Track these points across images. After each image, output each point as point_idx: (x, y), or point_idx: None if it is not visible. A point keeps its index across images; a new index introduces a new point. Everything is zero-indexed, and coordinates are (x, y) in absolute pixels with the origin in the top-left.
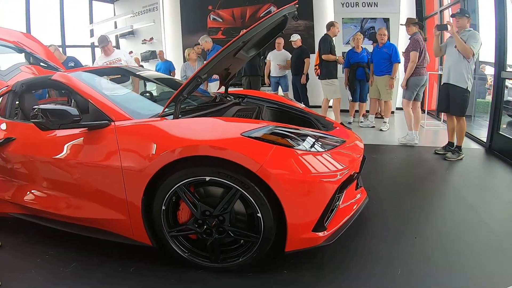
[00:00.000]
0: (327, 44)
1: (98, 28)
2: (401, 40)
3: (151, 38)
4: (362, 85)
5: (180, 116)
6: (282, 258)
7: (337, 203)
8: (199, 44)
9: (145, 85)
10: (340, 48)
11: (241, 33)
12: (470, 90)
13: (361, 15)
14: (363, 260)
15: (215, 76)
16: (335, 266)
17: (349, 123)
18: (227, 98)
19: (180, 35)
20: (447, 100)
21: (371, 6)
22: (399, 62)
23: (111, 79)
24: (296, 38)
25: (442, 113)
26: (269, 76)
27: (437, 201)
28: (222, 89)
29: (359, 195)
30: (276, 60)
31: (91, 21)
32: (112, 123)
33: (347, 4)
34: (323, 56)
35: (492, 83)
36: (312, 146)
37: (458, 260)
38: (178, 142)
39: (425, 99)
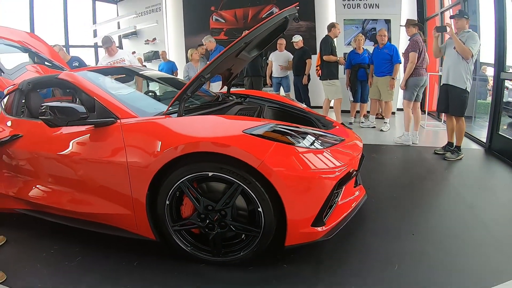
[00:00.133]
0: (328, 45)
1: (101, 29)
2: (402, 41)
3: (154, 39)
4: (363, 86)
5: (184, 114)
6: (282, 253)
7: (336, 199)
8: (202, 44)
9: (148, 85)
10: (342, 49)
11: (243, 34)
12: (469, 91)
13: (363, 16)
14: (361, 256)
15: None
16: (333, 261)
17: (350, 123)
18: (230, 97)
19: (183, 36)
20: (447, 100)
21: (372, 7)
22: (400, 63)
23: (115, 79)
24: (298, 39)
25: (443, 114)
26: (271, 76)
27: (435, 199)
28: (225, 89)
29: (357, 192)
30: (278, 60)
31: (94, 22)
32: (118, 121)
33: (349, 5)
34: (324, 57)
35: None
36: (312, 144)
37: (455, 256)
38: (181, 139)
39: (426, 100)
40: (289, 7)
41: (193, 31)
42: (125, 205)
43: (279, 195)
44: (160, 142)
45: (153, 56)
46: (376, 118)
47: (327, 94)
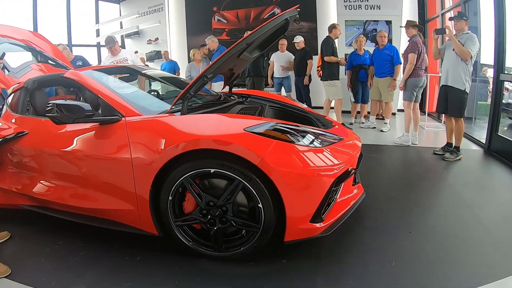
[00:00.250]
0: (329, 46)
1: (104, 28)
2: (403, 42)
3: (156, 39)
4: (364, 86)
5: (187, 112)
6: (281, 249)
7: (335, 196)
8: (205, 45)
9: (150, 84)
10: (343, 50)
11: (245, 35)
12: (467, 92)
13: (364, 17)
14: (359, 252)
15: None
16: (332, 257)
17: (351, 123)
18: (231, 97)
19: (185, 36)
20: (446, 101)
21: (373, 8)
22: (401, 64)
23: (119, 78)
24: (299, 39)
25: (443, 115)
26: (272, 77)
27: (433, 198)
28: (226, 88)
29: (356, 190)
30: (279, 61)
31: (97, 21)
32: (123, 119)
33: (350, 6)
34: (325, 58)
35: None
36: (311, 142)
37: (451, 253)
38: (184, 137)
39: (426, 101)
40: (290, 9)
41: (195, 31)
42: (129, 200)
43: (279, 192)
44: (164, 140)
45: (155, 56)
46: (376, 118)
47: (328, 95)
